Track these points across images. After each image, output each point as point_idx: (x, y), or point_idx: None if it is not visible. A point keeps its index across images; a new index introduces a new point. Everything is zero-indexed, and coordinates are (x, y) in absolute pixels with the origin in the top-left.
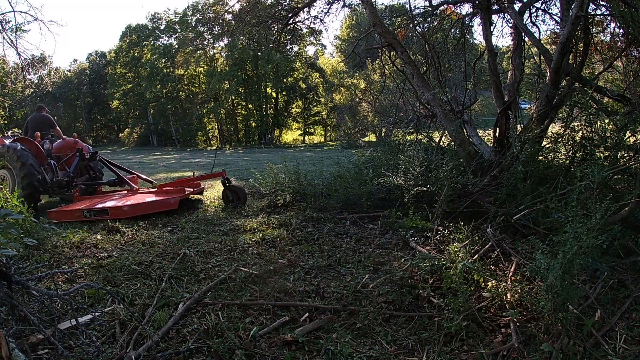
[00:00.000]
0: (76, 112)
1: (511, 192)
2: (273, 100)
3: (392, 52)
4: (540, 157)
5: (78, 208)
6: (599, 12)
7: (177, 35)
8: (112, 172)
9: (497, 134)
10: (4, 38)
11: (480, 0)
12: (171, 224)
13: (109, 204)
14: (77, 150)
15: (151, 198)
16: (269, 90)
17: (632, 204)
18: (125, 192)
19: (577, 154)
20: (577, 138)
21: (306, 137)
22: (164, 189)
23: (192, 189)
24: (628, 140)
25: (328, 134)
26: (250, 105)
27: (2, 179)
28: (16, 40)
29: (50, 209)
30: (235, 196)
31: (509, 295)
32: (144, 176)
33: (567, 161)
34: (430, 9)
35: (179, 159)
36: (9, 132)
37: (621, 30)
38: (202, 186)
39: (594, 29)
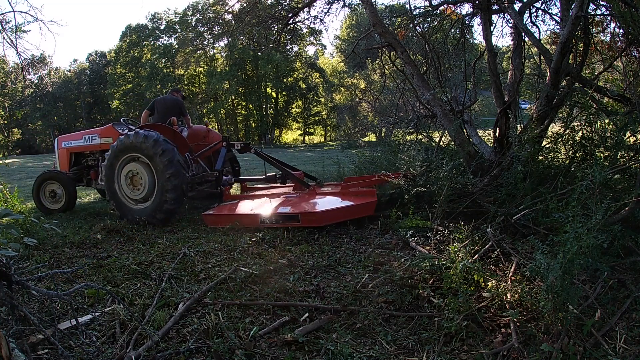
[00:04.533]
0: (76, 112)
1: (511, 192)
2: (273, 100)
3: (392, 52)
4: (540, 157)
5: (252, 212)
6: (599, 12)
7: (177, 35)
8: (275, 168)
9: (497, 134)
10: (4, 38)
11: (480, 0)
12: (171, 223)
13: (295, 207)
14: (223, 140)
15: (343, 200)
16: (269, 90)
17: (632, 204)
18: (291, 190)
19: (577, 154)
20: (577, 138)
21: (306, 137)
22: (350, 189)
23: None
24: (628, 140)
25: (328, 134)
26: (250, 105)
27: (132, 175)
28: (16, 40)
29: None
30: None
31: (509, 295)
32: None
33: (567, 161)
34: (430, 9)
35: None
36: (122, 119)
37: (621, 30)
38: None
39: (594, 29)
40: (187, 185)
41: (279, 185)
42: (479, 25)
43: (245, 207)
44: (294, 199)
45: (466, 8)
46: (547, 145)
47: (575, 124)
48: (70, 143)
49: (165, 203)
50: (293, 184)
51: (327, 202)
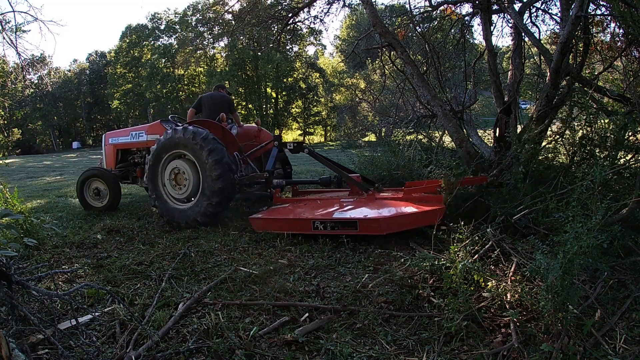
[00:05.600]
0: (76, 112)
1: (511, 192)
2: (273, 100)
3: (392, 52)
4: (540, 157)
5: (305, 217)
6: (599, 12)
7: (177, 35)
8: (330, 169)
9: (497, 134)
10: (4, 38)
11: (480, 0)
12: (171, 223)
13: (353, 213)
14: (274, 139)
15: (406, 207)
16: (269, 90)
17: (632, 204)
18: (346, 194)
19: (577, 154)
20: (577, 138)
21: (306, 137)
22: (413, 194)
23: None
24: (629, 140)
25: (328, 134)
26: (250, 105)
27: (175, 173)
28: (16, 40)
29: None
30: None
31: (509, 295)
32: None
33: (567, 161)
34: (430, 9)
35: None
36: (169, 116)
37: (621, 30)
38: None
39: (594, 29)
40: (235, 187)
41: (332, 189)
42: (479, 25)
43: (296, 211)
44: (351, 204)
45: (466, 8)
46: (547, 146)
47: (575, 124)
48: (117, 139)
49: (209, 204)
50: (349, 188)
51: (388, 209)
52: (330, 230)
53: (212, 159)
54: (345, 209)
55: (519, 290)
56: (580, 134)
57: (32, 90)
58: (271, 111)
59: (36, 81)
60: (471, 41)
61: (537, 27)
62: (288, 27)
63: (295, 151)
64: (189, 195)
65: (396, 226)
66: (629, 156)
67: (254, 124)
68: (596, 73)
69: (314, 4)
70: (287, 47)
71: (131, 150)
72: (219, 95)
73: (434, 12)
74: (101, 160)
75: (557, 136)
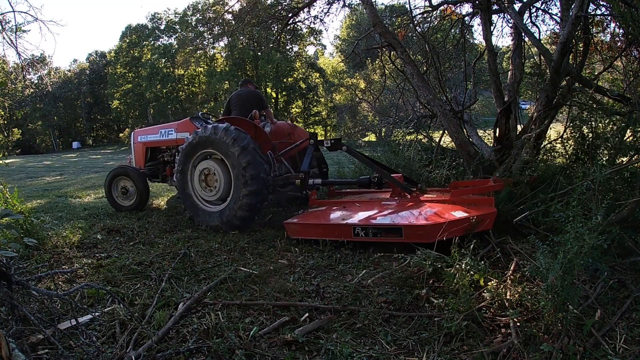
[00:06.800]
0: (76, 112)
1: (511, 192)
2: (273, 100)
3: (392, 52)
4: (541, 157)
5: (345, 223)
6: (599, 12)
7: (177, 35)
8: (370, 168)
9: (497, 134)
10: (4, 38)
11: (480, 0)
12: (171, 223)
13: (397, 218)
14: (310, 137)
15: (455, 211)
16: (269, 90)
17: (632, 204)
18: (387, 195)
19: (577, 154)
20: (577, 139)
21: None
22: (462, 196)
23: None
24: (628, 140)
25: (328, 134)
26: None
27: (206, 174)
28: (16, 40)
29: None
30: None
31: (509, 295)
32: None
33: (567, 161)
34: (430, 9)
35: None
36: (199, 113)
37: (621, 30)
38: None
39: (594, 29)
40: (269, 188)
41: (373, 190)
42: (479, 25)
43: (335, 216)
44: (395, 208)
45: (466, 8)
46: (547, 145)
47: (582, 125)
48: (146, 137)
49: (241, 206)
50: (390, 189)
51: (435, 213)
52: (372, 237)
53: (243, 158)
54: (388, 213)
55: (519, 290)
56: (579, 134)
57: (32, 90)
58: (271, 111)
59: (36, 81)
60: (471, 41)
61: (537, 27)
62: (288, 27)
63: (332, 149)
64: (220, 196)
65: (444, 233)
66: (628, 157)
67: (286, 121)
68: (596, 73)
69: (314, 4)
70: (287, 47)
71: (160, 149)
72: (247, 91)
73: (434, 12)
74: (130, 159)
75: (558, 137)
